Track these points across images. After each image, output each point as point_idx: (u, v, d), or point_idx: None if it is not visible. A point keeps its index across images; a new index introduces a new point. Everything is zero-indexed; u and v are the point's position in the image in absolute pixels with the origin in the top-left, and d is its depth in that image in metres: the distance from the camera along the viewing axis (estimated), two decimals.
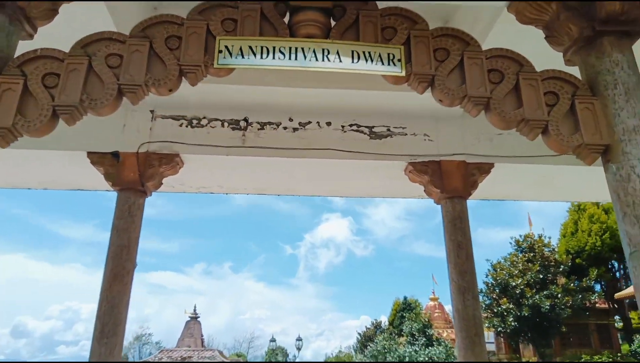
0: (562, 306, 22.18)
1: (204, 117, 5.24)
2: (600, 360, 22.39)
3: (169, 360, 23.14)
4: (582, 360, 22.68)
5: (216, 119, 5.25)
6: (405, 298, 33.45)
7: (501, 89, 2.70)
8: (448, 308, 31.74)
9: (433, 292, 34.39)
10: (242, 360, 35.85)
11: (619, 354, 23.67)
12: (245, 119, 5.28)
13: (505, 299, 23.16)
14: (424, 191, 5.40)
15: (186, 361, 22.92)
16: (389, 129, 5.41)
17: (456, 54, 2.77)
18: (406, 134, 5.42)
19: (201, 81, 5.00)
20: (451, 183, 5.19)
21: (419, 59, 2.73)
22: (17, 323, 60.74)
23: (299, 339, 26.08)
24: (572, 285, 23.21)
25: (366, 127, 5.39)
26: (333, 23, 2.85)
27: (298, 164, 5.37)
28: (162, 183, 5.14)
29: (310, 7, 2.74)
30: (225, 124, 5.25)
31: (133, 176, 4.89)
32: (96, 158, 5.01)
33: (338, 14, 2.84)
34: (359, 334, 37.36)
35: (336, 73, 5.12)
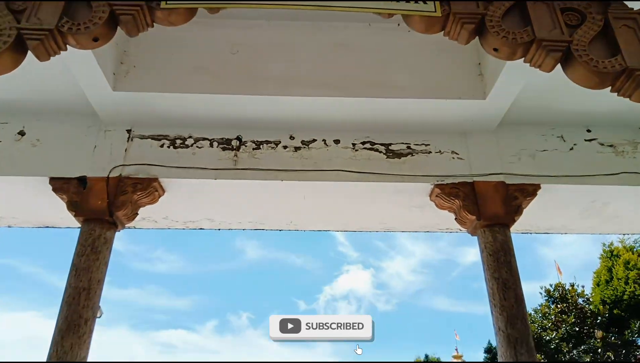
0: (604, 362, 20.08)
1: (190, 136, 4.44)
2: None
3: None
4: None
5: (204, 138, 4.44)
6: (426, 356, 31.22)
7: (584, 32, 1.81)
8: None
9: (456, 350, 31.95)
10: None
11: None
12: (238, 138, 4.46)
13: (539, 355, 21.09)
14: (455, 219, 4.42)
15: None
16: (409, 147, 4.52)
17: None
18: (430, 152, 4.52)
19: (187, 91, 4.32)
20: (489, 208, 4.22)
21: None
22: None
23: None
24: (613, 338, 21.13)
25: (382, 144, 4.52)
26: None
27: (301, 190, 4.47)
28: (137, 214, 4.27)
29: None
30: (215, 143, 4.42)
31: (101, 205, 4.03)
32: (59, 184, 4.19)
33: None
34: None
35: (345, 79, 4.41)
